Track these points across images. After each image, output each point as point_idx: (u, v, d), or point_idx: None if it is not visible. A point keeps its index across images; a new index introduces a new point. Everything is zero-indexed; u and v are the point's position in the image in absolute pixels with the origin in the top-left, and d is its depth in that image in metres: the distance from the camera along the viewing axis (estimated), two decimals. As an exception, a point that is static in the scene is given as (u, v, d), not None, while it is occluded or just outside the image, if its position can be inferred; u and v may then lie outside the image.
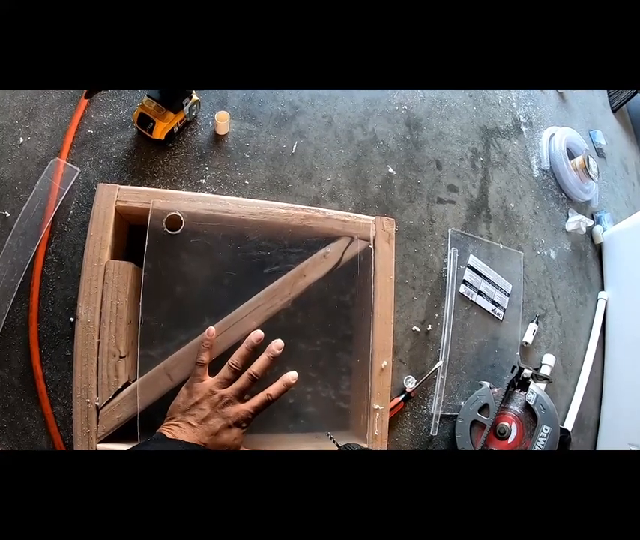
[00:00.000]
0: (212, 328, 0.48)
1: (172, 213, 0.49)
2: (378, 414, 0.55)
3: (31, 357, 0.51)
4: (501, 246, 0.75)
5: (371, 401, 0.55)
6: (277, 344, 0.48)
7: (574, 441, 0.88)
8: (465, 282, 0.70)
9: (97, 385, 0.46)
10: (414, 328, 0.66)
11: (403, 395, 0.64)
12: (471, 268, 0.70)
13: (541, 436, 0.63)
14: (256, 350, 0.48)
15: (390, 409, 0.62)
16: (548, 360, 0.79)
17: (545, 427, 0.63)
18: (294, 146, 0.64)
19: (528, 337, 0.76)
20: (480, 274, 0.71)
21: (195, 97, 0.57)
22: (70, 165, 0.56)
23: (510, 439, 0.65)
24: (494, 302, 0.73)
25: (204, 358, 0.47)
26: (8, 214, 0.53)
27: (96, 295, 0.47)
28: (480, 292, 0.71)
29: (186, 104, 0.56)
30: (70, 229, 0.55)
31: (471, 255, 0.71)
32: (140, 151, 0.57)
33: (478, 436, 0.66)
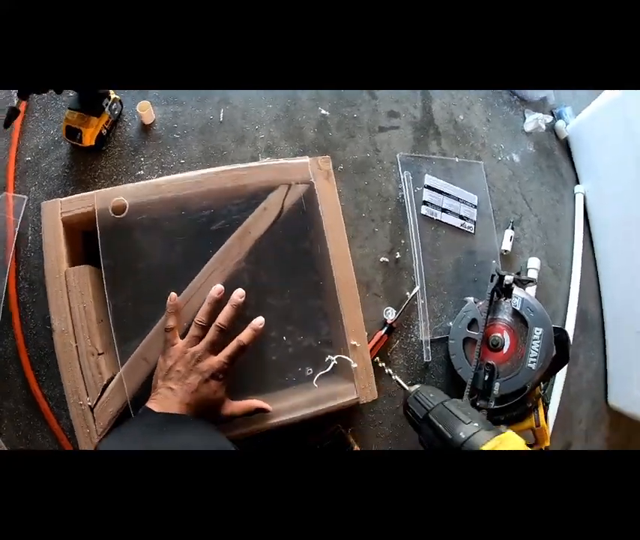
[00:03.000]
0: (173, 293, 0.50)
1: (116, 199, 0.51)
2: (357, 351, 0.55)
3: (28, 382, 0.54)
4: (457, 160, 0.73)
5: (348, 340, 0.55)
6: (239, 293, 0.50)
7: (581, 340, 0.87)
8: (425, 203, 0.68)
9: (86, 386, 0.49)
10: (381, 260, 0.65)
11: (385, 328, 0.63)
12: (429, 187, 0.69)
13: (535, 340, 0.61)
14: (219, 304, 0.50)
15: (375, 344, 0.61)
16: (534, 264, 0.78)
17: (536, 329, 0.61)
18: (221, 114, 0.64)
19: (507, 245, 0.75)
20: (440, 191, 0.70)
21: (113, 95, 0.59)
22: (17, 195, 0.59)
23: (505, 349, 0.63)
24: (461, 217, 0.71)
25: (171, 322, 0.49)
26: (-32, 257, 0.55)
27: (63, 304, 0.49)
28: (444, 210, 0.70)
29: (107, 105, 0.57)
30: (32, 253, 0.57)
31: (427, 175, 0.69)
32: (78, 162, 0.59)
33: (472, 352, 0.64)
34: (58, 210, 0.51)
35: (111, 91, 0.58)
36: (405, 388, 0.57)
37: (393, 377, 0.59)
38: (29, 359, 0.54)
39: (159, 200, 0.52)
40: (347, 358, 0.53)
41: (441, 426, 0.42)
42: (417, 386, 0.56)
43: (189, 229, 0.53)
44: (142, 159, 0.60)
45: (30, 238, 0.57)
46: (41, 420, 0.54)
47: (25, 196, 0.58)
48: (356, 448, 0.60)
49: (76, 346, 0.49)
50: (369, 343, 0.62)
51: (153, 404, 0.44)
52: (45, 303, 0.53)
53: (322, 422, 0.58)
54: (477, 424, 0.39)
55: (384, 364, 0.61)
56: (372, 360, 0.58)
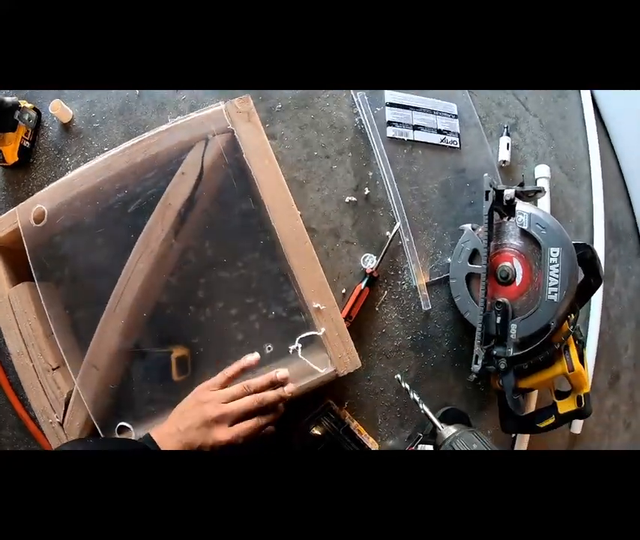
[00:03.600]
0: (255, 356, 0.46)
1: (34, 208, 0.49)
2: (324, 315, 0.46)
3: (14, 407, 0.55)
4: (423, 67, 0.62)
5: (309, 303, 0.46)
6: (282, 374, 0.44)
7: (614, 254, 0.73)
8: (391, 124, 0.57)
9: (50, 404, 0.48)
10: (347, 200, 0.55)
11: (365, 279, 0.52)
12: (392, 105, 0.58)
13: (552, 264, 0.48)
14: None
15: (355, 302, 0.51)
16: (542, 171, 0.66)
17: (552, 250, 0.48)
18: (137, 88, 0.57)
19: (504, 155, 0.63)
20: (406, 107, 0.58)
21: (24, 104, 0.55)
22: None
23: (518, 281, 0.51)
24: (440, 131, 0.60)
25: (229, 372, 0.44)
26: None
27: (13, 325, 0.49)
28: (415, 127, 0.58)
29: (18, 116, 0.54)
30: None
31: (386, 91, 0.58)
32: (11, 182, 0.57)
33: (479, 290, 0.53)
34: (-11, 234, 0.49)
35: (20, 102, 0.54)
36: (437, 427, 0.48)
37: (421, 407, 0.50)
38: (10, 385, 0.55)
39: (75, 196, 0.49)
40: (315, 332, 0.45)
41: None
42: (453, 430, 0.47)
43: (106, 218, 0.49)
44: (67, 159, 0.57)
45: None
46: (35, 442, 0.54)
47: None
48: (354, 424, 0.51)
49: (33, 366, 0.48)
50: (348, 300, 0.52)
51: (155, 433, 0.41)
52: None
53: (309, 400, 0.50)
54: None
55: (407, 386, 0.51)
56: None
